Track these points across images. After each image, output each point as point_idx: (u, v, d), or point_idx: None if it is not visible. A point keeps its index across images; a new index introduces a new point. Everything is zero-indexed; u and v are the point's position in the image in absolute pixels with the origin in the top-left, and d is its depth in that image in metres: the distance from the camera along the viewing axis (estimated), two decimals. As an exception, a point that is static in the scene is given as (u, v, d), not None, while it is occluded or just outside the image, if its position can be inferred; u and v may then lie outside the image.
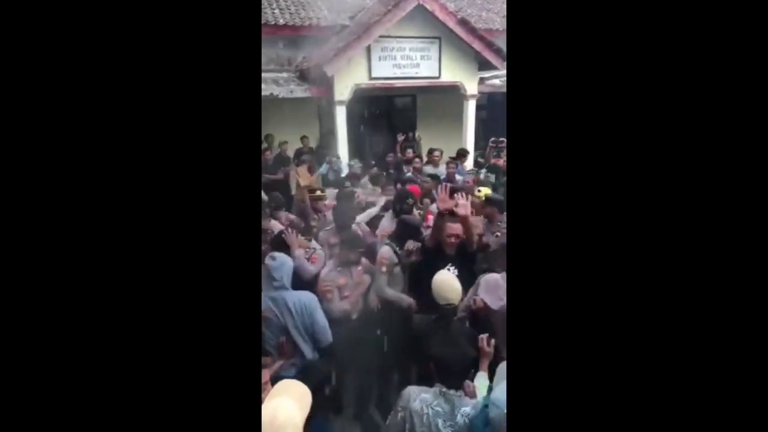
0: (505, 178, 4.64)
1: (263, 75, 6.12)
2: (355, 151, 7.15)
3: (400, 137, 6.52)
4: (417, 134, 6.52)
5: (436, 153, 5.64)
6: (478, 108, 7.67)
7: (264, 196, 3.70)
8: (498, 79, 7.62)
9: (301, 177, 5.42)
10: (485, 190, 3.57)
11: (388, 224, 3.19)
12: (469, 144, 7.35)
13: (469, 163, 7.24)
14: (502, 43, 7.60)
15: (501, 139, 6.28)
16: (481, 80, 7.43)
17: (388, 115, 8.53)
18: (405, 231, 2.76)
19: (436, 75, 6.96)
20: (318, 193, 3.83)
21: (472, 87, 7.28)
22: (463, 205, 2.43)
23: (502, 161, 5.56)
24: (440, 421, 1.47)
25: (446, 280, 2.01)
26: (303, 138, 6.88)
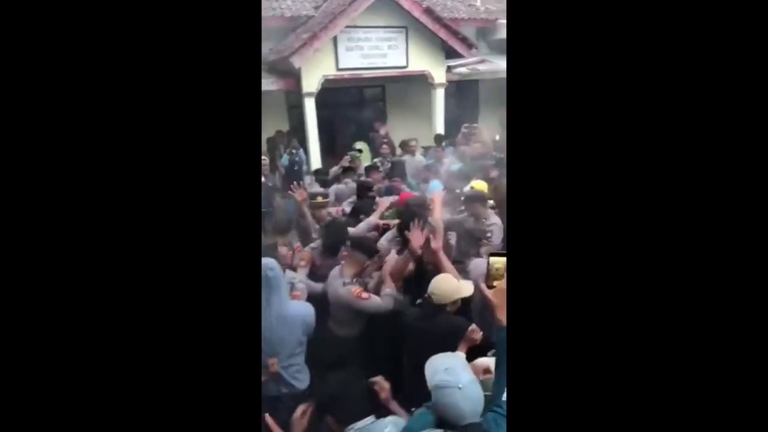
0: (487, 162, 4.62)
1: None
2: (327, 143, 7.12)
3: (382, 129, 6.46)
4: (384, 130, 6.54)
5: (412, 143, 5.65)
6: (447, 97, 7.74)
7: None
8: (465, 67, 7.70)
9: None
10: (479, 184, 3.40)
11: (386, 243, 2.75)
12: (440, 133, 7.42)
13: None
14: (467, 31, 7.67)
15: (474, 125, 6.37)
16: (449, 69, 7.49)
17: (358, 106, 8.50)
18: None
19: (404, 64, 6.97)
20: (319, 199, 3.21)
21: (440, 76, 7.33)
22: (434, 241, 2.20)
23: (470, 149, 5.63)
24: None
25: (441, 279, 2.03)
26: (278, 132, 6.77)
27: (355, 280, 2.31)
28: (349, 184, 4.27)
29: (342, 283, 2.28)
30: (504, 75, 8.34)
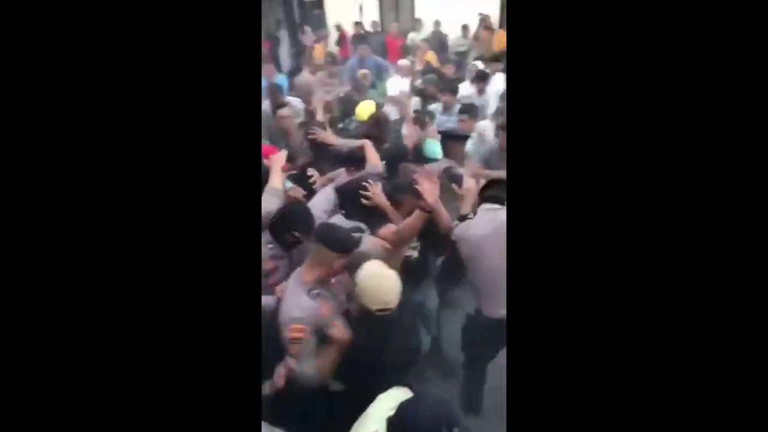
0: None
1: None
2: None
3: None
4: None
5: None
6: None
7: None
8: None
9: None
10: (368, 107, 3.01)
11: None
12: (284, 42, 7.29)
13: (283, 55, 6.94)
14: None
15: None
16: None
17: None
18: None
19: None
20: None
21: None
22: (428, 190, 1.77)
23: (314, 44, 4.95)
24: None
25: (382, 276, 1.52)
26: None
27: (316, 292, 1.57)
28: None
29: (306, 294, 1.56)
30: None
